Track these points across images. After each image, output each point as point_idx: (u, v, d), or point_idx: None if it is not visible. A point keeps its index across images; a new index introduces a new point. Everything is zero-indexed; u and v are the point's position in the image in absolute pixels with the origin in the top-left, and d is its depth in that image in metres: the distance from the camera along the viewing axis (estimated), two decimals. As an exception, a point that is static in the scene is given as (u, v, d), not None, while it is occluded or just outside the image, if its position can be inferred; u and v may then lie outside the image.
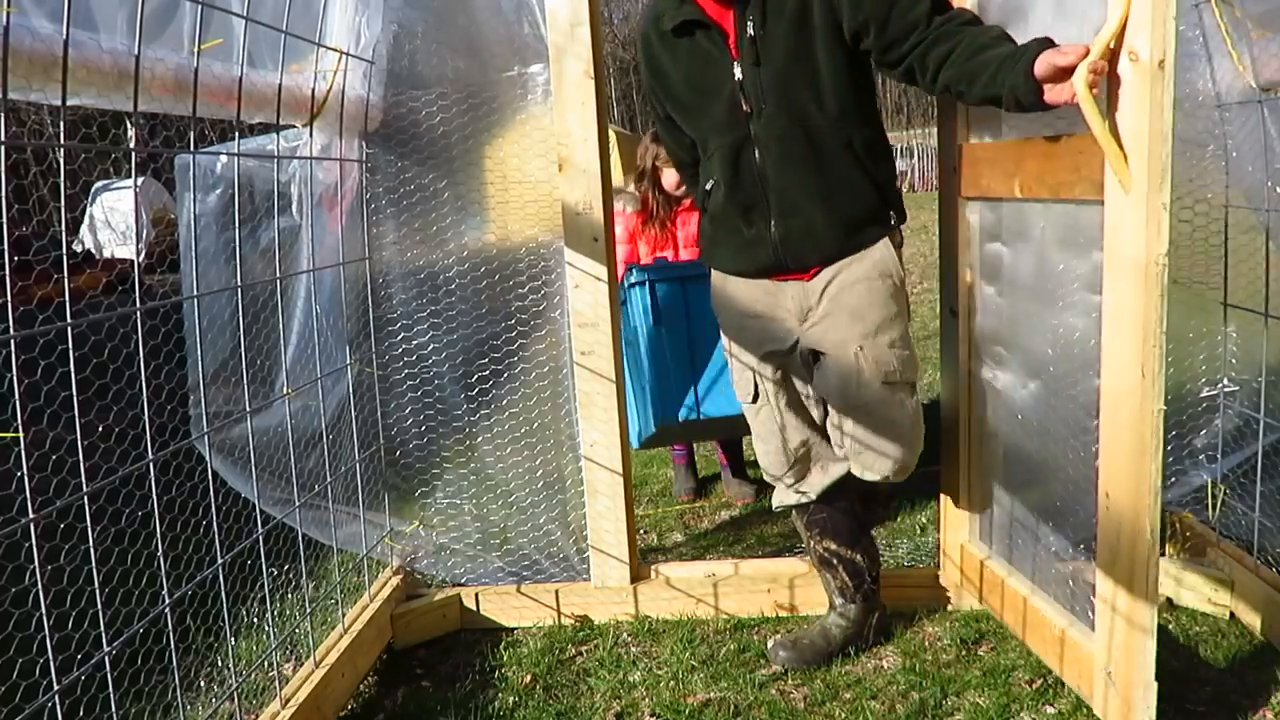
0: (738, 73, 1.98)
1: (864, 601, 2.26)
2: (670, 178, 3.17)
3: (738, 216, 2.08)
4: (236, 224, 1.84)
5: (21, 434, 1.25)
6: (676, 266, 2.91)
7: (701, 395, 2.74)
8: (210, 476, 1.92)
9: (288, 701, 1.94)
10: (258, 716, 1.95)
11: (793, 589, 2.46)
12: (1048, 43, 1.62)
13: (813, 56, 1.94)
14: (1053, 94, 1.60)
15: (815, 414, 2.21)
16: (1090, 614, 1.82)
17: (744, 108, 1.99)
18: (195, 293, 2.03)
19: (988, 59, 1.71)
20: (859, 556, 2.26)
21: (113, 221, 10.62)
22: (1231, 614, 2.27)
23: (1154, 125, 1.52)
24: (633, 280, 2.70)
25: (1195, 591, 2.32)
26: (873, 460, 2.11)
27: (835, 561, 2.25)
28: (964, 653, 2.23)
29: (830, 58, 1.93)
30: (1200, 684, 2.02)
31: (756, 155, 2.00)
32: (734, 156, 2.03)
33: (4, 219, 1.19)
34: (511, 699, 2.17)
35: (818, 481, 2.22)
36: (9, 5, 1.20)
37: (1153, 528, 1.62)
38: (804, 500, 2.24)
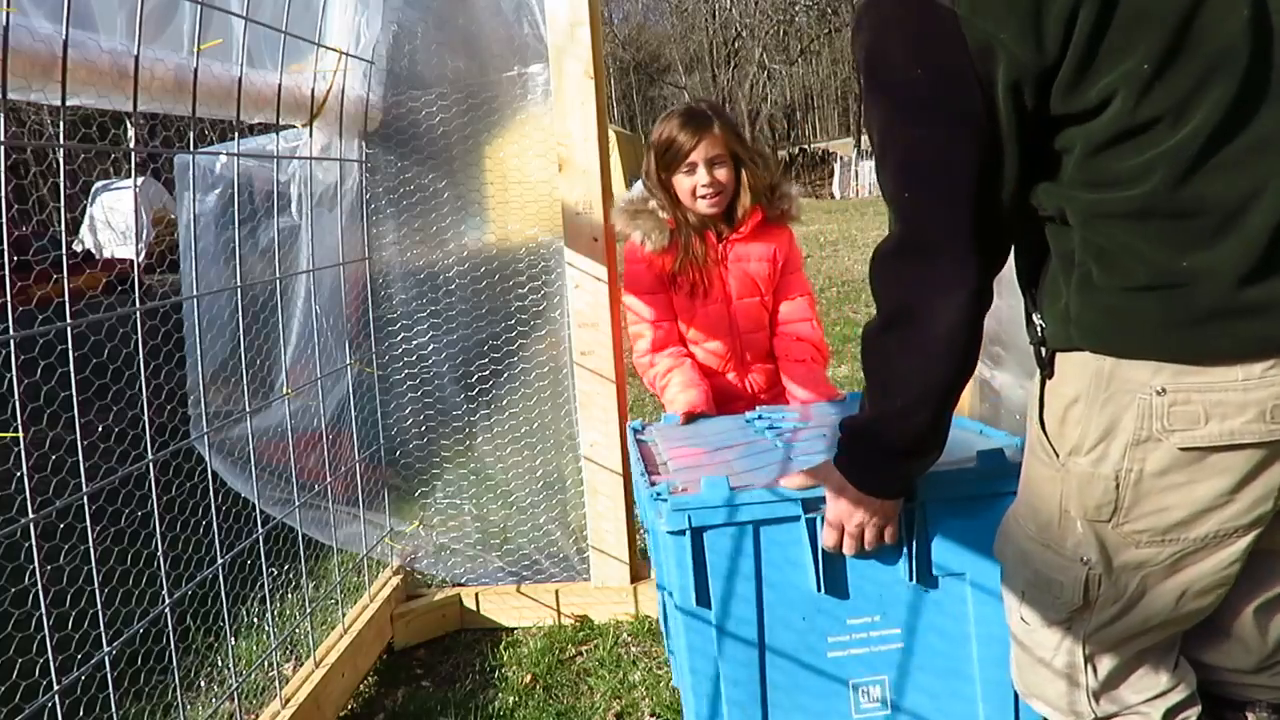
0: None
1: None
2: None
3: None
4: (236, 224, 1.84)
5: (21, 434, 1.25)
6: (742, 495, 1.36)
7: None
8: (210, 476, 1.92)
9: (288, 701, 1.94)
10: (258, 716, 1.95)
11: (792, 589, 2.46)
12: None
13: None
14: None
15: None
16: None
17: None
18: (195, 293, 2.04)
19: None
20: None
21: (113, 221, 10.62)
22: (1231, 614, 2.27)
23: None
24: (668, 526, 1.37)
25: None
26: None
27: None
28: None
29: None
30: (1200, 684, 2.02)
31: None
32: None
33: (4, 219, 1.19)
34: (511, 699, 2.17)
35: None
36: (9, 5, 1.20)
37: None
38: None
